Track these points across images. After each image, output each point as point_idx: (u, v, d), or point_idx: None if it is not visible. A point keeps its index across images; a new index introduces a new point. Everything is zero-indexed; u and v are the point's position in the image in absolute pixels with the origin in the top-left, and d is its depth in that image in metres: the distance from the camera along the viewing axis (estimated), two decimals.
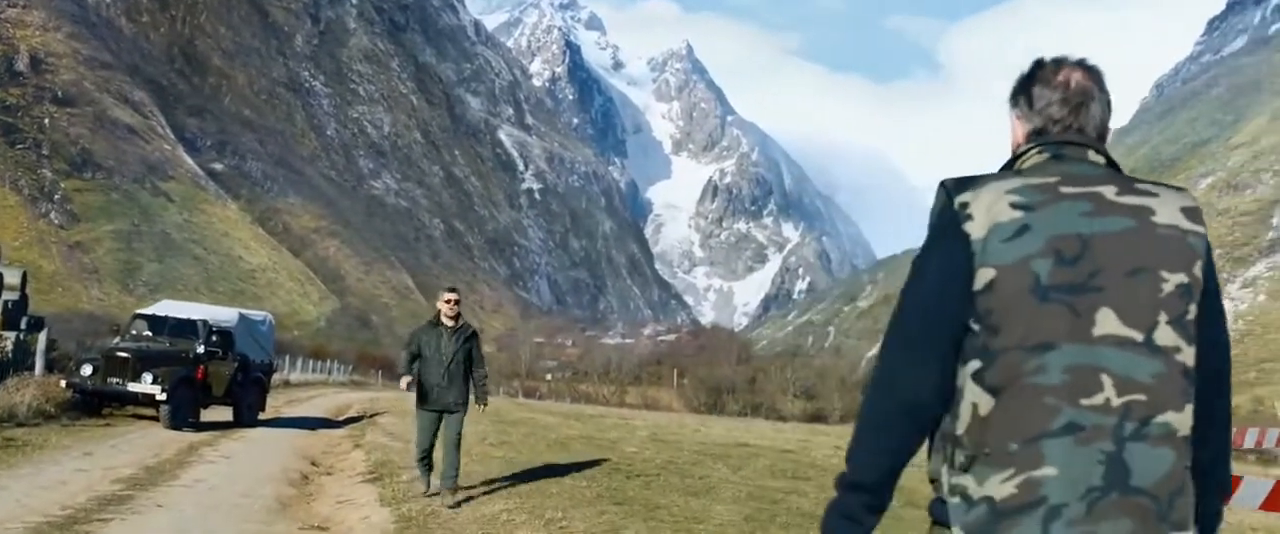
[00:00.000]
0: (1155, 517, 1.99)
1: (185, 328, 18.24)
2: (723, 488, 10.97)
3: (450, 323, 9.50)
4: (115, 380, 16.67)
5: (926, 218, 2.22)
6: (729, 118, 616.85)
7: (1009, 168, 2.27)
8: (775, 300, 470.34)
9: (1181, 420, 2.04)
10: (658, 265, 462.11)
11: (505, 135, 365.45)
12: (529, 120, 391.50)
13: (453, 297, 9.72)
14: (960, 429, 2.08)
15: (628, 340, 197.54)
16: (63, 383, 16.95)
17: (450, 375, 9.33)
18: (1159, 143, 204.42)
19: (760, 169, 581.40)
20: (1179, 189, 2.20)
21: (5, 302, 26.52)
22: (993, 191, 2.10)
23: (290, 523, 8.59)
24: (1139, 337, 2.03)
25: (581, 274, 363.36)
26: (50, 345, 26.46)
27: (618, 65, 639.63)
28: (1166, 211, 2.11)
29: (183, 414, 16.78)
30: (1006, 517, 1.99)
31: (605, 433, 18.58)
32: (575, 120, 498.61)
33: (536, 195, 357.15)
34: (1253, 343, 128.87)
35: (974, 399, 2.07)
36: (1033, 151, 2.24)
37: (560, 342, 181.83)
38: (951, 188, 2.15)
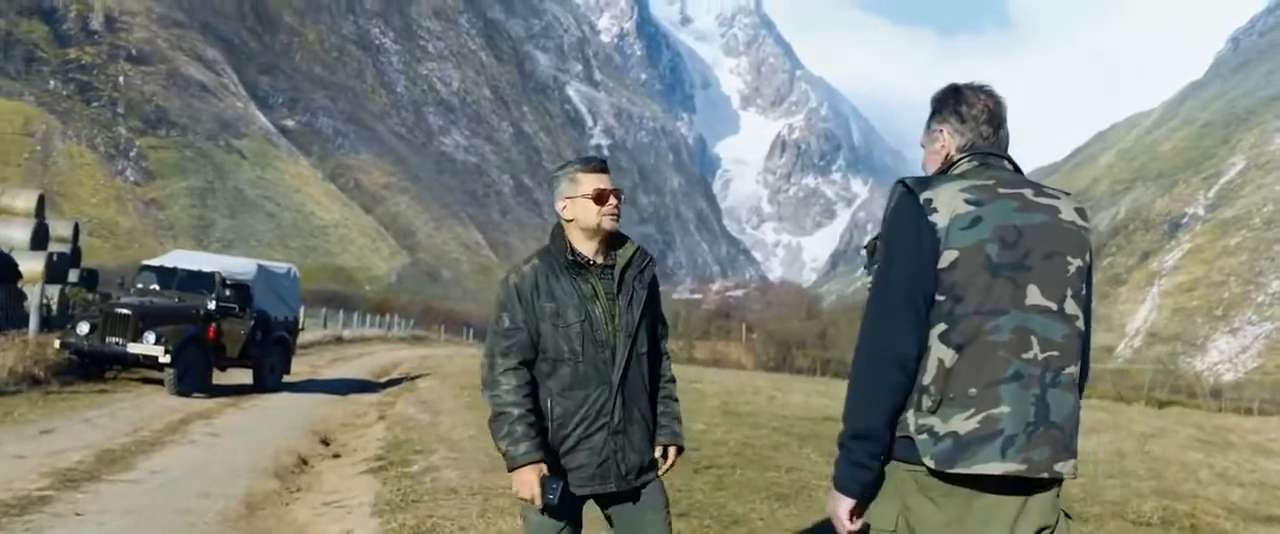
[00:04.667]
0: (1062, 446, 2.55)
1: (196, 281, 16.15)
2: (817, 488, 8.55)
3: (598, 257, 3.56)
4: (115, 340, 14.69)
5: None
6: (797, 72, 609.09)
7: (943, 173, 2.76)
8: (844, 256, 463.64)
9: (1077, 371, 2.61)
10: (726, 221, 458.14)
11: (574, 91, 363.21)
12: (597, 76, 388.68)
13: (605, 180, 3.53)
14: (927, 380, 2.54)
15: (696, 296, 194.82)
16: (58, 343, 15.02)
17: (627, 391, 3.52)
18: (1234, 96, 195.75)
19: (829, 124, 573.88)
20: (1068, 194, 2.74)
21: (53, 254, 24.82)
22: (949, 190, 2.59)
23: None
24: (1054, 306, 2.57)
25: (650, 230, 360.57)
26: (101, 300, 24.70)
27: (686, 20, 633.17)
28: (1067, 211, 2.67)
29: (191, 379, 14.79)
30: (971, 445, 2.49)
31: None
32: (643, 76, 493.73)
33: (605, 151, 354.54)
34: None
35: (939, 355, 2.54)
36: (964, 160, 2.76)
37: None
38: (914, 186, 2.63)
